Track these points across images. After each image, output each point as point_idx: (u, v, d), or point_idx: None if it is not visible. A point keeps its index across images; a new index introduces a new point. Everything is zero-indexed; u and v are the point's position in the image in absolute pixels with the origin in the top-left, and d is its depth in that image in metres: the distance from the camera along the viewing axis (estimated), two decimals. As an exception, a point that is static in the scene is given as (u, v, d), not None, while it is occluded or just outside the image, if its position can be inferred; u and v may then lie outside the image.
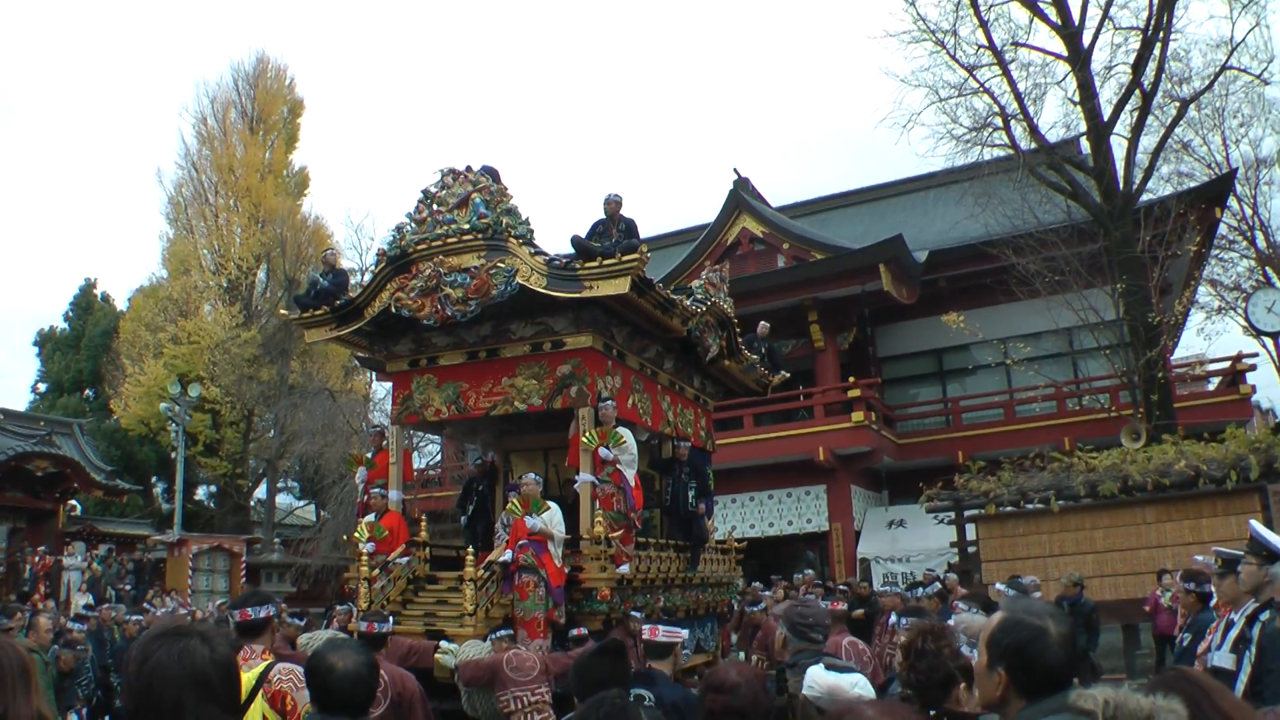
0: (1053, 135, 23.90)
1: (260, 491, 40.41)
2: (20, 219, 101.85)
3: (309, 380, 36.48)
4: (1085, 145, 24.51)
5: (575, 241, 11.69)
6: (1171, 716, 2.28)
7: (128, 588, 27.45)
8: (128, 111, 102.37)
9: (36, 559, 27.10)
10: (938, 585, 14.84)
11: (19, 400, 50.53)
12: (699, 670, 15.12)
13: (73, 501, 33.37)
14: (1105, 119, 22.64)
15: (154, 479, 44.30)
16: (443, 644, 10.49)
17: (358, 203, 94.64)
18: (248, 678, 4.99)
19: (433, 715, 6.82)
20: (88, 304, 49.84)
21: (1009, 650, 2.73)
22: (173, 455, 32.32)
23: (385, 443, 13.86)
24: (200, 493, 44.56)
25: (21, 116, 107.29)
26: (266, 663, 4.93)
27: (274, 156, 41.20)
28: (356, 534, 12.69)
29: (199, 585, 27.40)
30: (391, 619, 10.20)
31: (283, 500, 43.71)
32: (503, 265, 11.69)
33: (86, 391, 46.20)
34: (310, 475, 38.19)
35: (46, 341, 49.09)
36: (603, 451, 11.79)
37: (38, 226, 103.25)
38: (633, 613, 11.89)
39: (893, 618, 9.10)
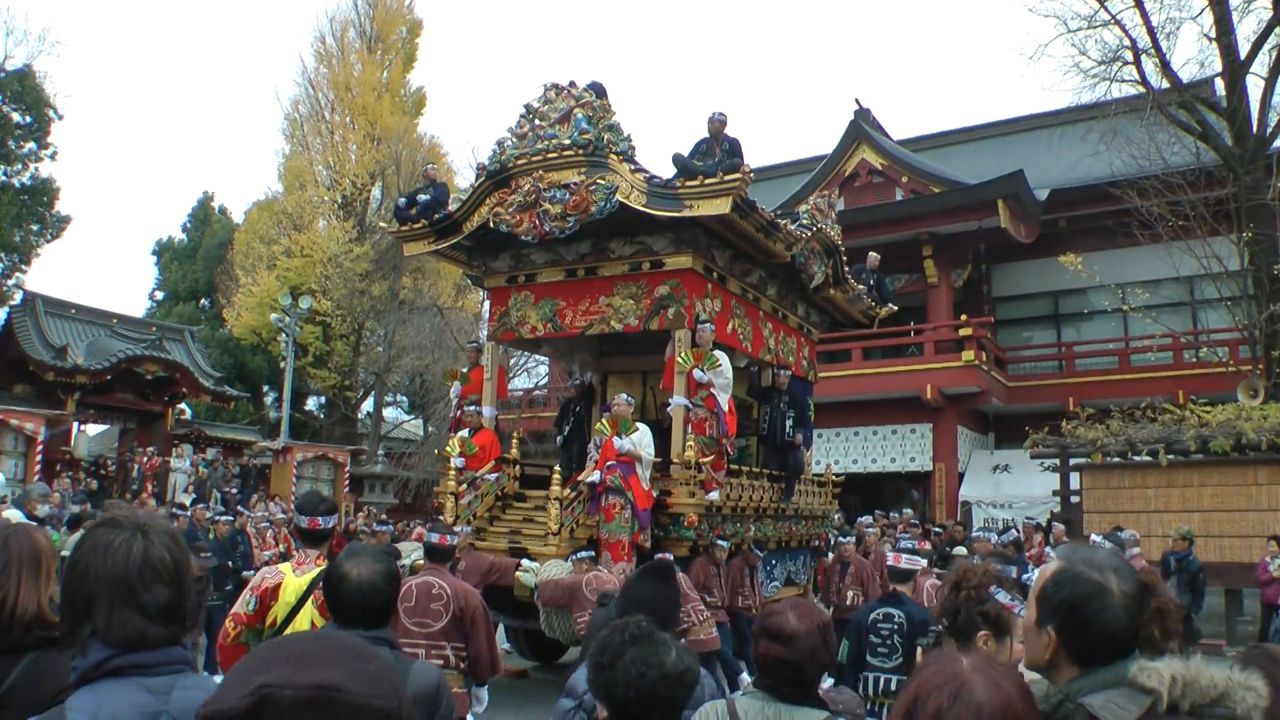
0: (1185, 73, 22.85)
1: (368, 404, 40.86)
2: (144, 133, 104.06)
3: (419, 296, 36.65)
4: (1219, 85, 23.42)
5: (677, 160, 11.40)
6: (1250, 695, 1.97)
7: (233, 491, 27.89)
8: (249, 31, 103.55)
9: (145, 459, 27.71)
10: (1013, 534, 14.41)
11: (137, 307, 51.74)
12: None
13: (182, 405, 34.14)
14: (1242, 57, 21.56)
15: (265, 388, 45.09)
16: (524, 563, 10.41)
17: (474, 125, 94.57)
18: (300, 583, 4.89)
19: (494, 631, 6.67)
20: (205, 216, 50.75)
21: (1061, 608, 2.29)
22: (283, 365, 32.69)
23: (482, 359, 13.78)
24: (310, 404, 45.17)
25: (147, 35, 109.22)
26: (320, 569, 4.80)
27: (391, 76, 41.00)
28: (448, 449, 12.66)
29: (302, 492, 27.75)
30: (460, 532, 10.21)
31: (391, 414, 44.22)
32: (603, 182, 11.47)
33: (202, 301, 47.09)
34: (417, 390, 38.54)
35: (164, 251, 50.14)
36: (697, 374, 11.55)
37: (160, 141, 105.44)
38: (719, 541, 11.68)
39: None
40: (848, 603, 11.91)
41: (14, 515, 11.36)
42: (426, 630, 6.34)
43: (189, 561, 2.30)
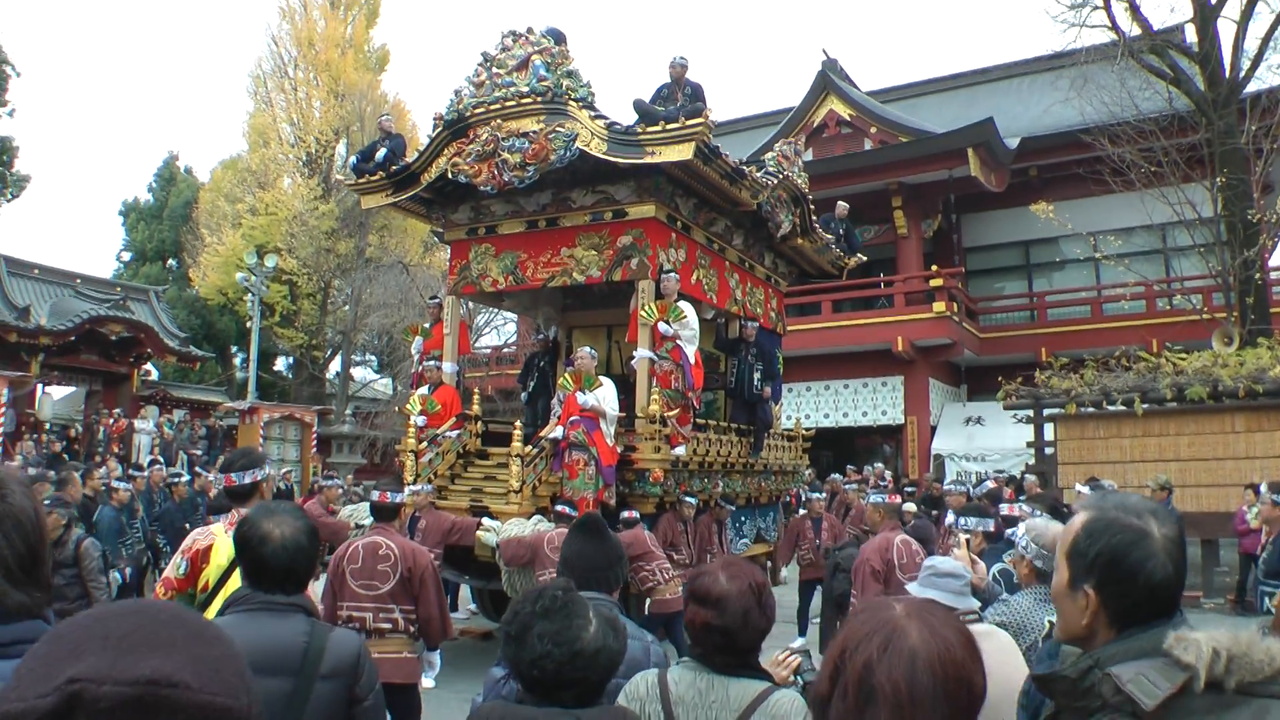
0: (1156, 18, 22.68)
1: (337, 364, 40.53)
2: (110, 94, 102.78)
3: (386, 254, 36.30)
4: (1190, 31, 23.17)
5: (637, 105, 11.11)
6: None
7: (199, 453, 27.62)
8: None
9: (111, 421, 27.36)
10: (988, 485, 14.24)
11: (106, 268, 51.17)
12: (759, 561, 14.77)
13: (148, 366, 33.83)
14: (1213, 1, 21.33)
15: (233, 349, 44.73)
16: (485, 521, 10.16)
17: (439, 83, 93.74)
18: (232, 544, 4.62)
19: (444, 592, 6.41)
20: (171, 176, 50.13)
21: (1099, 561, 1.96)
22: (249, 325, 32.32)
23: (443, 314, 13.49)
24: (279, 364, 44.82)
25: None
26: (249, 529, 4.51)
27: (354, 32, 40.33)
28: (408, 406, 12.41)
29: (269, 453, 27.31)
30: (418, 490, 9.94)
31: (360, 374, 43.86)
32: (562, 130, 11.17)
33: (169, 261, 46.62)
34: (385, 348, 38.26)
35: (131, 212, 49.52)
36: (662, 326, 11.28)
37: (126, 102, 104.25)
38: (686, 498, 11.47)
39: (950, 516, 8.58)
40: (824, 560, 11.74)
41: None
42: (374, 593, 6.09)
43: (46, 520, 2.02)
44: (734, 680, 2.88)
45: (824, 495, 13.72)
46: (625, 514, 10.48)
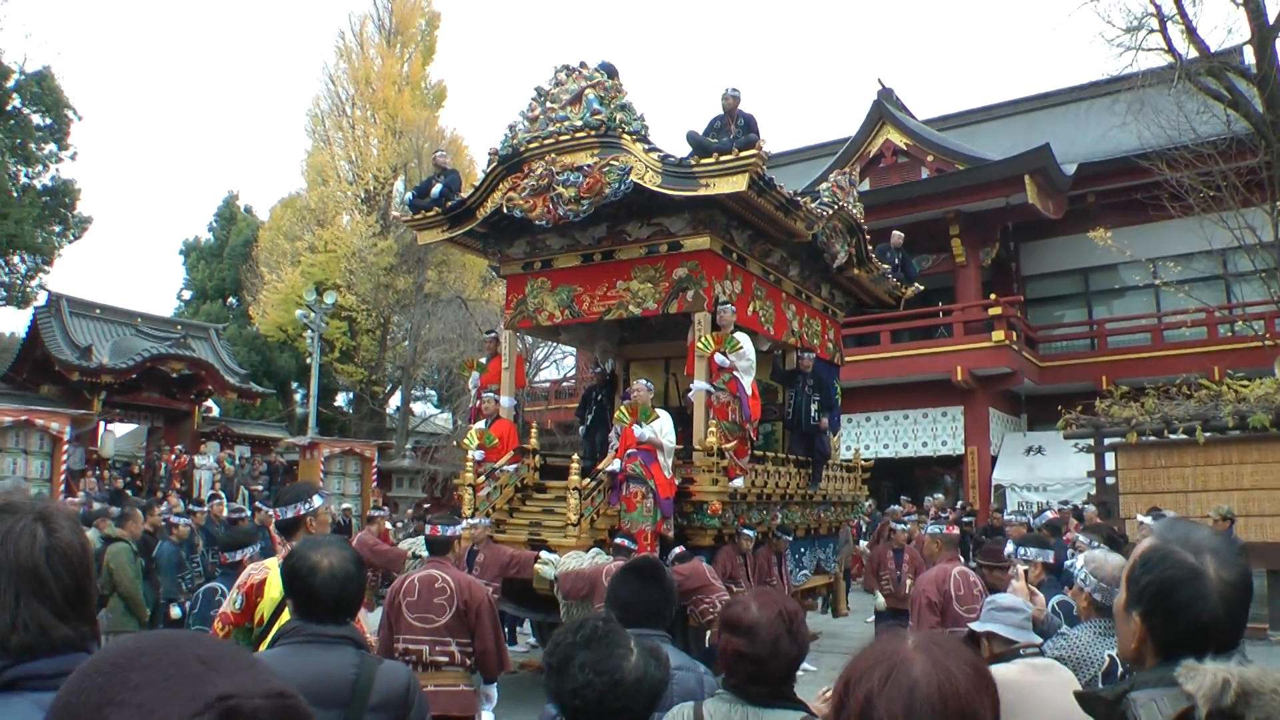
0: (1213, 40, 22.39)
1: (396, 399, 40.76)
2: (170, 136, 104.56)
3: (444, 289, 36.51)
4: (1248, 53, 22.89)
5: (691, 137, 11.13)
6: None
7: (260, 488, 27.86)
8: (271, 31, 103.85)
9: (172, 457, 27.69)
10: (1047, 516, 14.08)
11: (167, 307, 51.86)
12: (819, 593, 14.67)
13: (209, 403, 34.22)
14: (1271, 21, 21.01)
15: (293, 385, 45.13)
16: (543, 554, 10.16)
17: (495, 116, 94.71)
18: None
19: (500, 625, 6.42)
20: (230, 215, 50.92)
21: (1148, 591, 2.00)
22: (309, 361, 32.61)
23: (500, 348, 13.55)
24: (339, 400, 45.20)
25: (170, 38, 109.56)
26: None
27: (411, 69, 40.73)
28: (466, 440, 12.44)
29: (330, 488, 27.53)
30: (474, 524, 9.96)
31: (420, 408, 44.13)
32: (616, 163, 11.21)
33: (229, 299, 47.24)
34: (445, 383, 38.45)
35: (191, 251, 50.35)
36: (718, 358, 11.26)
37: (186, 143, 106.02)
38: (744, 530, 11.41)
39: (1009, 546, 8.48)
40: (907, 591, 11.66)
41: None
42: (430, 626, 6.10)
43: (92, 555, 2.03)
44: (769, 711, 2.87)
45: (909, 527, 13.67)
46: (676, 550, 10.45)
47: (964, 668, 1.53)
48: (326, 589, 3.13)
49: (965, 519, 18.25)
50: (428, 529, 6.60)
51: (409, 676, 3.22)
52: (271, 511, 5.06)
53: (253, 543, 7.52)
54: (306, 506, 5.05)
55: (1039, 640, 4.33)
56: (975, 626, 4.46)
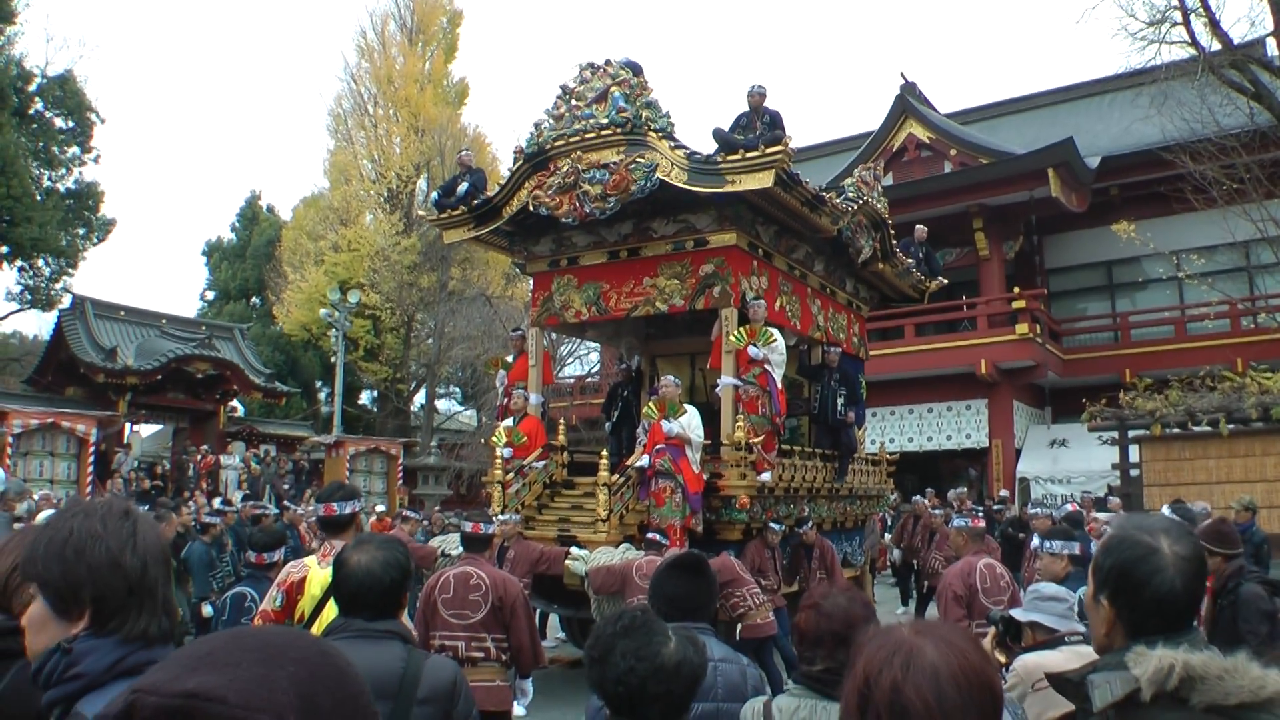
0: (1235, 32, 22.27)
1: (421, 397, 40.83)
2: (191, 136, 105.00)
3: (468, 287, 36.59)
4: (1271, 45, 22.81)
5: (716, 134, 11.17)
6: None
7: (286, 487, 27.98)
8: (292, 31, 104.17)
9: (199, 457, 27.86)
10: (1067, 508, 14.12)
11: (190, 308, 52.13)
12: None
13: (234, 403, 34.39)
14: (1295, 13, 20.98)
15: (318, 384, 45.30)
16: (573, 550, 10.22)
17: (518, 114, 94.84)
18: (325, 575, 4.71)
19: (534, 620, 6.48)
20: (253, 215, 51.06)
21: (1112, 574, 2.12)
22: (334, 360, 32.71)
23: (526, 345, 13.61)
24: (364, 398, 45.23)
25: (191, 39, 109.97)
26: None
27: (433, 67, 40.77)
28: (494, 438, 12.51)
29: (356, 486, 27.65)
30: (504, 520, 10.01)
31: (444, 405, 44.16)
32: (642, 160, 11.25)
33: (253, 299, 47.40)
34: (469, 380, 38.51)
35: (214, 251, 50.51)
36: (752, 350, 11.32)
37: (208, 143, 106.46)
38: (772, 524, 11.44)
39: (1035, 540, 8.50)
40: (939, 568, 12.22)
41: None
42: (465, 622, 6.17)
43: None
44: (836, 704, 2.90)
45: (942, 513, 13.85)
46: (691, 551, 10.50)
47: (968, 642, 1.61)
48: (347, 585, 3.19)
49: (995, 508, 18.25)
50: (468, 526, 6.65)
51: (455, 671, 3.28)
52: (319, 506, 5.09)
53: (285, 543, 7.58)
54: (359, 505, 5.12)
55: (1082, 629, 4.38)
56: (1019, 616, 4.53)
